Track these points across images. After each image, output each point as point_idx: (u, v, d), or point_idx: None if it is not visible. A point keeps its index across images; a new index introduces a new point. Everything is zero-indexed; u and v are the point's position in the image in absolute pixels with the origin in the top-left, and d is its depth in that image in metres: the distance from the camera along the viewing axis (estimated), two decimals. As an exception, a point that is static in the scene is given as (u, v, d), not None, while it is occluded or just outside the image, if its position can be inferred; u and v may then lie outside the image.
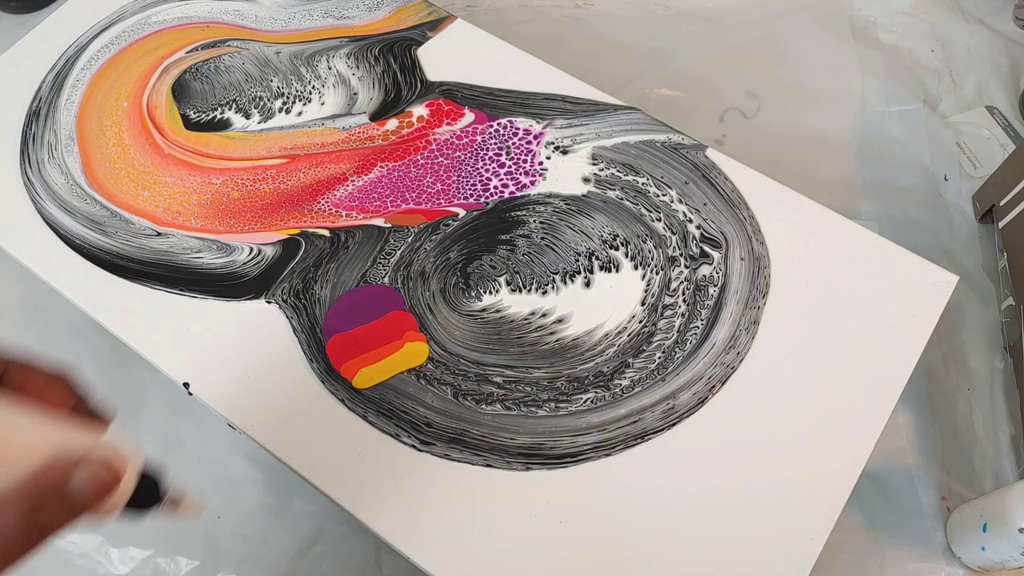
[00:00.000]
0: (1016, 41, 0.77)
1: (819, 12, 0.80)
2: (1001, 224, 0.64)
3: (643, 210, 0.51)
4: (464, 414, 0.45)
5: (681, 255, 0.50)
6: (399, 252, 0.50)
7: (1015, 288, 0.61)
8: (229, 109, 0.57)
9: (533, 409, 0.45)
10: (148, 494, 0.30)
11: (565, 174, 0.53)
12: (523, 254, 0.50)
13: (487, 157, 0.54)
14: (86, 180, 0.54)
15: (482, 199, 0.52)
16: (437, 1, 0.62)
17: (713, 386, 0.46)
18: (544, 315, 0.48)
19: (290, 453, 0.44)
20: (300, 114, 0.56)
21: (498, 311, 0.48)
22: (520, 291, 0.49)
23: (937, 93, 0.75)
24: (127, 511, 0.29)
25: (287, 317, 0.48)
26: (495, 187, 0.53)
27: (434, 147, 0.54)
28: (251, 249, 0.51)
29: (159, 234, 0.52)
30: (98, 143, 0.56)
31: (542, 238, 0.51)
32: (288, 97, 0.57)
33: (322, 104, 0.57)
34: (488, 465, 0.44)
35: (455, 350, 0.47)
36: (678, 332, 0.47)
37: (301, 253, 0.51)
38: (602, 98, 0.56)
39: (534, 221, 0.51)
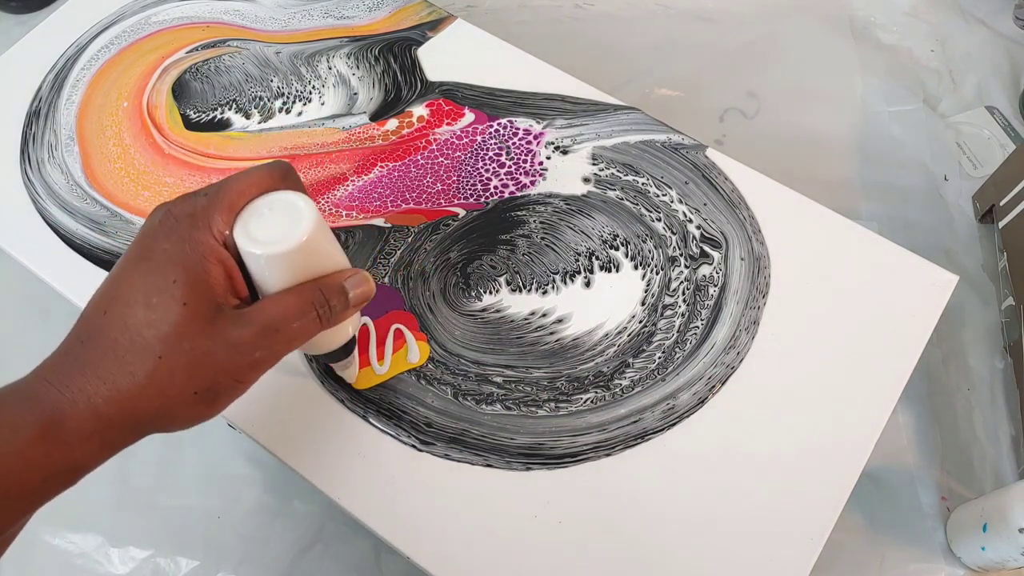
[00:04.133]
0: (1016, 41, 0.77)
1: (819, 12, 0.80)
2: (1001, 224, 0.64)
3: (643, 210, 0.51)
4: (464, 414, 0.45)
5: (681, 255, 0.50)
6: (399, 252, 0.50)
7: (1015, 288, 0.61)
8: (229, 109, 0.57)
9: (533, 409, 0.45)
10: (348, 351, 0.41)
11: (565, 174, 0.53)
12: (523, 254, 0.50)
13: (487, 157, 0.54)
14: (86, 180, 0.54)
15: (482, 199, 0.52)
16: (437, 1, 0.62)
17: (713, 386, 0.46)
18: (544, 315, 0.48)
19: (290, 453, 0.44)
20: (300, 114, 0.56)
21: (498, 311, 0.48)
22: (520, 291, 0.49)
23: (937, 93, 0.75)
24: (346, 345, 0.40)
25: (287, 317, 0.48)
26: (495, 187, 0.53)
27: (434, 147, 0.54)
28: (251, 249, 0.51)
29: (159, 234, 0.52)
30: (98, 143, 0.56)
31: (542, 238, 0.51)
32: (288, 97, 0.57)
33: (322, 104, 0.57)
34: (488, 465, 0.44)
35: (455, 350, 0.47)
36: (678, 332, 0.47)
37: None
38: (602, 98, 0.56)
39: (534, 221, 0.51)
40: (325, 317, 0.34)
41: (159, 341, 0.31)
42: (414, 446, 0.44)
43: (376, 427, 0.45)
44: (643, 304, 0.48)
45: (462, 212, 0.52)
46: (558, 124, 0.55)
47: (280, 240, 0.32)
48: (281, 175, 0.34)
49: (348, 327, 0.39)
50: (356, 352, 0.43)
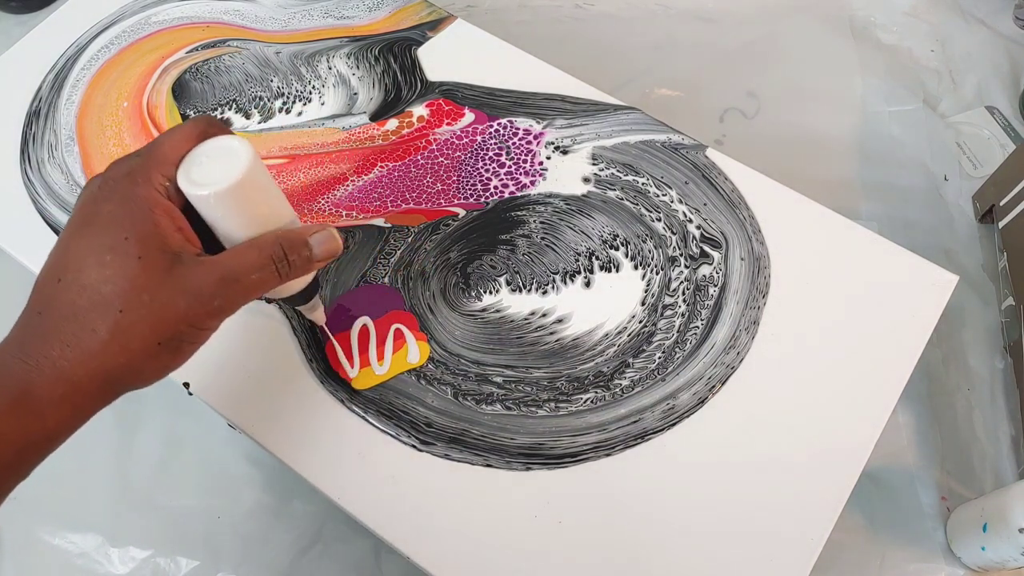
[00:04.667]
0: (1016, 41, 0.77)
1: (819, 12, 0.80)
2: (1001, 224, 0.64)
3: (643, 210, 0.51)
4: (464, 414, 0.45)
5: (681, 255, 0.50)
6: (399, 252, 0.50)
7: (1015, 288, 0.61)
8: (229, 109, 0.57)
9: (533, 409, 0.45)
10: (310, 294, 0.41)
11: (565, 174, 0.53)
12: (523, 254, 0.50)
13: (487, 157, 0.54)
14: (86, 180, 0.54)
15: (482, 199, 0.52)
16: (437, 1, 0.62)
17: (713, 386, 0.46)
18: (544, 315, 0.48)
19: (290, 453, 0.44)
20: (300, 114, 0.56)
21: (498, 311, 0.48)
22: (520, 291, 0.49)
23: (937, 93, 0.75)
24: (306, 290, 0.40)
25: (287, 317, 0.48)
26: (495, 187, 0.53)
27: (434, 147, 0.54)
28: (251, 249, 0.51)
29: (159, 234, 0.52)
30: (98, 143, 0.56)
31: (542, 238, 0.51)
32: (288, 97, 0.57)
33: (322, 104, 0.57)
34: (488, 465, 0.44)
35: (455, 350, 0.47)
36: (678, 332, 0.47)
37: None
38: (602, 98, 0.56)
39: (534, 221, 0.51)
40: (284, 272, 0.34)
41: (118, 296, 0.31)
42: (414, 446, 0.44)
43: (376, 427, 0.45)
44: (643, 304, 0.48)
45: (462, 212, 0.52)
46: (558, 124, 0.55)
47: (223, 178, 0.33)
48: (207, 123, 0.35)
49: (304, 278, 0.39)
50: (319, 296, 0.43)
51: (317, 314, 0.43)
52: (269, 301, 0.49)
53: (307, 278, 0.40)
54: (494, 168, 0.53)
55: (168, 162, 0.33)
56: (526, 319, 0.48)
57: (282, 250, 0.34)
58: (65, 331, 0.31)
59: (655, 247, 0.50)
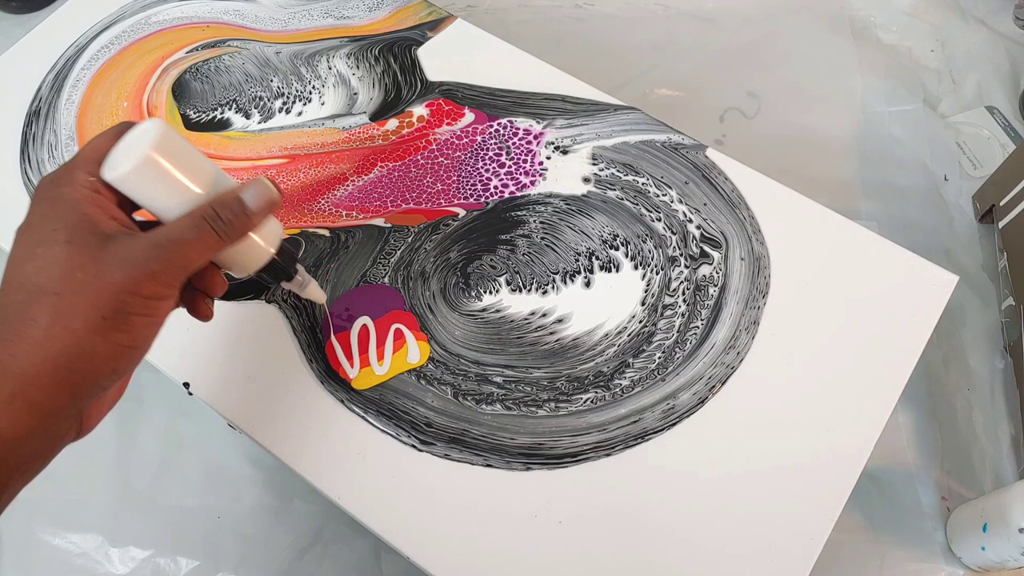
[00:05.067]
0: (1016, 41, 0.77)
1: (819, 12, 0.80)
2: (1001, 224, 0.64)
3: (643, 210, 0.51)
4: (464, 414, 0.45)
5: (681, 255, 0.50)
6: (399, 252, 0.50)
7: (1015, 288, 0.61)
8: (229, 109, 0.57)
9: (533, 409, 0.45)
10: (285, 265, 0.39)
11: (565, 174, 0.53)
12: (523, 254, 0.50)
13: (487, 157, 0.54)
14: (86, 180, 0.54)
15: (482, 199, 0.52)
16: (437, 1, 0.62)
17: (713, 386, 0.46)
18: (544, 315, 0.48)
19: (290, 453, 0.44)
20: (300, 114, 0.56)
21: (498, 311, 0.48)
22: (520, 291, 0.49)
23: (937, 93, 0.75)
24: (267, 272, 0.38)
25: (287, 317, 0.48)
26: (495, 187, 0.53)
27: (434, 147, 0.54)
28: (251, 249, 0.51)
29: (159, 234, 0.52)
30: (98, 143, 0.56)
31: (542, 238, 0.51)
32: (288, 97, 0.57)
33: (322, 104, 0.57)
34: (488, 465, 0.44)
35: (455, 350, 0.47)
36: (678, 332, 0.47)
37: (301, 253, 0.51)
38: (602, 98, 0.56)
39: (534, 221, 0.51)
40: (221, 229, 0.34)
41: (52, 281, 0.31)
42: (414, 446, 0.44)
43: (376, 427, 0.45)
44: (643, 304, 0.48)
45: (462, 212, 0.52)
46: (558, 124, 0.55)
47: (137, 154, 0.33)
48: (125, 124, 0.35)
49: (260, 243, 0.37)
50: (305, 273, 0.42)
51: (311, 291, 0.42)
52: (269, 298, 0.49)
53: (270, 248, 0.38)
54: (494, 168, 0.53)
55: (91, 160, 0.34)
56: (526, 319, 0.48)
57: (212, 208, 0.34)
58: (8, 328, 0.31)
59: (655, 247, 0.50)
